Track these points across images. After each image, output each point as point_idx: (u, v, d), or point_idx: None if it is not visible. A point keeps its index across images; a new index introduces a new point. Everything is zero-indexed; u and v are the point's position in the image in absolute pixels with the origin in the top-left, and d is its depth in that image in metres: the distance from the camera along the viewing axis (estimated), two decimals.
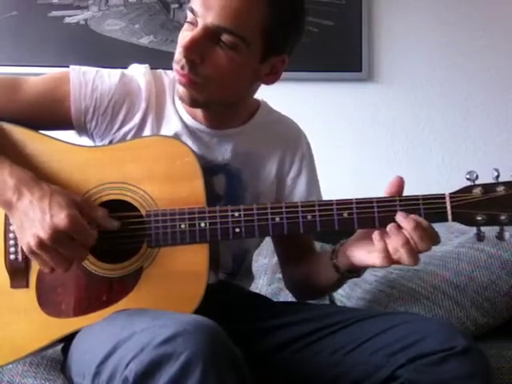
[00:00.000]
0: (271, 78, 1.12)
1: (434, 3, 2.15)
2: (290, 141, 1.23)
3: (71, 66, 1.14)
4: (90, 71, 1.14)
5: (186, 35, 1.02)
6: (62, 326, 1.04)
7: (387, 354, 0.95)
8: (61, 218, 0.94)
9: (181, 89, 1.06)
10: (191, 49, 1.00)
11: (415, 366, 0.92)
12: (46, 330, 1.04)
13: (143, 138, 1.12)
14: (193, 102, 1.08)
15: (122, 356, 0.85)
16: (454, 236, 1.64)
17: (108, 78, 1.13)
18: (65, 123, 1.13)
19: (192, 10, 1.02)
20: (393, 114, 2.15)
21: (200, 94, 1.06)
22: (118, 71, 1.15)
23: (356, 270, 1.09)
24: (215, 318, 0.88)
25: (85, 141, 1.17)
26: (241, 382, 0.84)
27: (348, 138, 2.14)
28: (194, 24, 1.02)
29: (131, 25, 2.08)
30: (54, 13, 2.06)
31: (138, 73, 1.16)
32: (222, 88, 1.06)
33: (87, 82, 1.12)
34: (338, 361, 1.00)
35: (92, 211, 1.01)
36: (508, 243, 1.42)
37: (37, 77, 1.14)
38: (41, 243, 0.94)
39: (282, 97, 2.04)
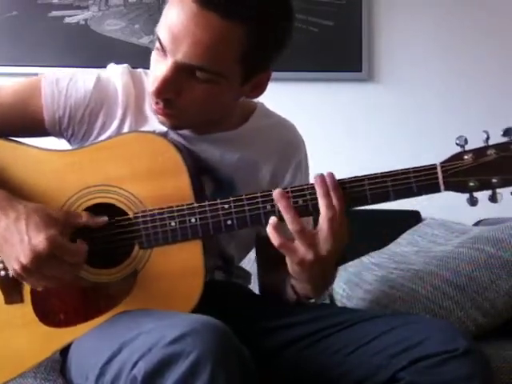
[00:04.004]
0: (255, 93, 1.08)
1: (433, 3, 2.16)
2: (286, 147, 1.18)
3: (43, 74, 1.10)
4: (64, 78, 1.09)
5: (157, 68, 0.98)
6: (63, 336, 1.02)
7: (389, 355, 0.95)
8: (39, 241, 0.91)
9: (159, 117, 1.03)
10: (163, 90, 0.97)
11: (416, 367, 0.91)
12: (47, 341, 1.03)
13: (121, 136, 1.06)
14: (174, 128, 1.06)
15: (128, 356, 0.85)
16: (454, 236, 1.64)
17: (83, 84, 1.09)
18: (40, 132, 1.10)
19: (160, 41, 0.96)
20: (393, 114, 2.15)
21: (180, 121, 1.04)
22: (94, 75, 1.10)
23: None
24: (216, 318, 0.87)
25: (63, 143, 1.14)
26: (249, 381, 0.84)
27: (347, 137, 2.14)
28: (164, 52, 0.97)
29: (131, 25, 2.08)
30: (54, 13, 2.06)
31: (115, 74, 1.11)
32: (203, 114, 1.04)
33: (60, 90, 1.08)
34: (340, 362, 0.99)
35: (75, 221, 0.99)
36: (508, 243, 1.42)
37: (9, 85, 1.10)
38: (24, 268, 0.92)
39: (281, 97, 2.05)
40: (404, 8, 2.15)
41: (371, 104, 2.15)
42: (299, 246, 0.95)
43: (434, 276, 1.44)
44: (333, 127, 2.13)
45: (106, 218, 1.01)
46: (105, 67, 1.16)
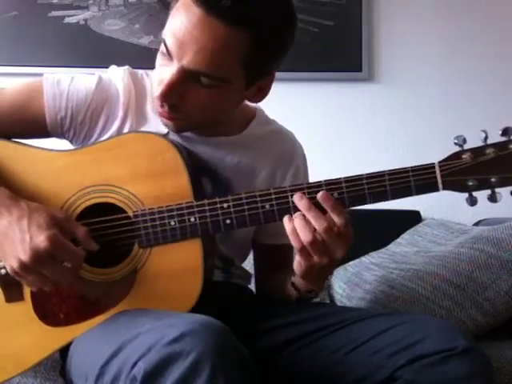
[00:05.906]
0: (259, 96, 1.09)
1: (433, 3, 2.16)
2: (284, 155, 1.19)
3: (45, 75, 1.11)
4: (65, 79, 1.10)
5: (162, 72, 0.99)
6: (63, 335, 1.03)
7: (387, 354, 0.94)
8: (41, 239, 0.91)
9: (164, 120, 1.04)
10: (168, 94, 0.98)
11: (415, 366, 0.91)
12: (47, 340, 1.03)
13: (120, 137, 1.07)
14: (178, 130, 1.07)
15: (128, 356, 0.85)
16: (454, 236, 1.64)
17: (84, 85, 1.10)
18: (42, 133, 1.11)
19: (166, 46, 0.98)
20: (393, 114, 2.15)
21: (184, 123, 1.05)
22: (95, 77, 1.11)
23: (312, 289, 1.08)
24: (215, 318, 0.87)
25: (65, 142, 1.14)
26: (249, 381, 0.84)
27: (348, 137, 2.14)
28: (169, 57, 0.98)
29: (131, 25, 2.08)
30: (54, 13, 2.06)
31: (117, 75, 1.12)
32: (207, 117, 1.04)
33: (62, 91, 1.09)
34: (338, 361, 0.99)
35: (73, 229, 0.98)
36: (508, 243, 1.42)
37: (11, 87, 1.11)
38: (23, 266, 0.92)
39: (281, 97, 2.05)
40: (404, 8, 2.15)
41: (371, 104, 2.15)
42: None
43: (434, 276, 1.44)
44: (333, 127, 2.13)
45: (97, 246, 1.00)
46: (105, 67, 1.16)
